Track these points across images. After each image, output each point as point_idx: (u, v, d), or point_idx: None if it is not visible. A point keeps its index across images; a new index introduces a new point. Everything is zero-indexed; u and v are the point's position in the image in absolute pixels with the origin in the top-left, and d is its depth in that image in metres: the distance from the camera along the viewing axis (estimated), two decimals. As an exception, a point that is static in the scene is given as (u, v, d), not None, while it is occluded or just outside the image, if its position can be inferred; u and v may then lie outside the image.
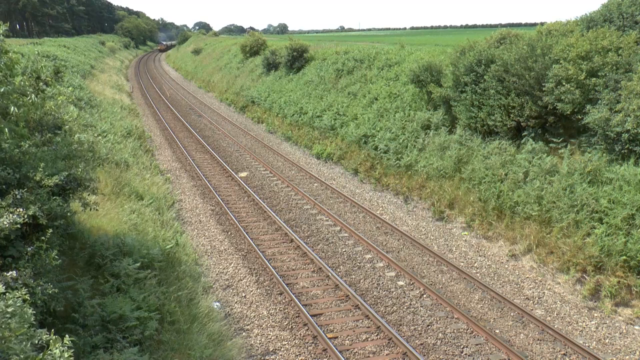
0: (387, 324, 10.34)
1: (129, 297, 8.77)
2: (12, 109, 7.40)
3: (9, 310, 4.45)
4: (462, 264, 13.39)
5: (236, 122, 34.34)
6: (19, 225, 6.22)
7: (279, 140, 28.58)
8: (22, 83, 7.90)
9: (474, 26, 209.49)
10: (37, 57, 9.50)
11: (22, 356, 4.06)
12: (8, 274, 5.63)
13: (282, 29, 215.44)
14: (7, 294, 4.71)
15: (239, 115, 37.30)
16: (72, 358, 4.43)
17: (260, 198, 18.31)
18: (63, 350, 4.34)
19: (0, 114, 7.56)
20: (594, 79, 12.93)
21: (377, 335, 10.13)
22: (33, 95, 7.94)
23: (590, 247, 11.35)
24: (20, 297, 4.79)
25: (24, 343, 4.26)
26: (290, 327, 10.51)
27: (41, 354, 4.34)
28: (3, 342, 4.12)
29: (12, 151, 7.46)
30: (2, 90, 7.35)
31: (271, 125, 30.71)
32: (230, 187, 20.04)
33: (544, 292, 11.87)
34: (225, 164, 22.99)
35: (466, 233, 15.03)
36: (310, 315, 10.65)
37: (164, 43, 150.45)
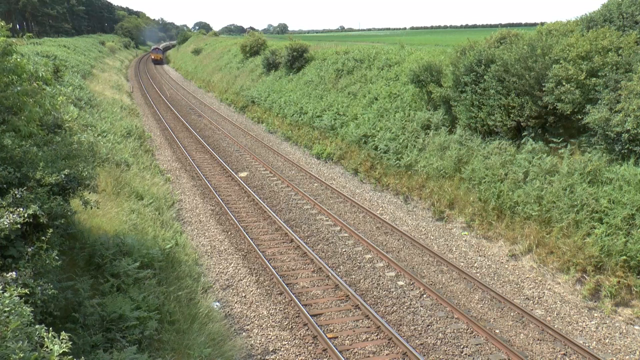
0: (387, 324, 10.34)
1: (128, 296, 8.77)
2: (28, 108, 7.50)
3: (6, 310, 4.43)
4: (462, 264, 13.39)
5: (236, 122, 34.33)
6: (19, 225, 6.21)
7: (279, 140, 28.58)
8: (32, 83, 7.97)
9: (474, 26, 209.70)
10: (32, 56, 9.62)
11: (20, 355, 4.05)
12: (8, 275, 5.62)
13: (282, 29, 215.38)
14: (4, 292, 4.70)
15: (239, 115, 37.30)
16: (69, 350, 4.40)
17: (260, 198, 18.31)
18: (61, 345, 4.32)
19: (14, 112, 7.63)
20: (594, 79, 12.93)
21: (377, 335, 10.12)
22: (45, 96, 8.04)
23: (590, 247, 11.35)
24: (17, 294, 4.77)
25: (22, 342, 4.24)
26: (290, 327, 10.51)
27: (39, 351, 4.33)
28: (0, 340, 4.11)
29: (14, 150, 7.48)
30: (17, 89, 7.42)
31: (271, 125, 30.71)
32: (230, 187, 20.03)
33: (544, 292, 11.87)
34: (225, 164, 22.98)
35: (466, 233, 15.03)
36: (310, 315, 10.65)
37: (160, 47, 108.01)
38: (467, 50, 17.62)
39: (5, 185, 7.03)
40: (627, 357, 9.59)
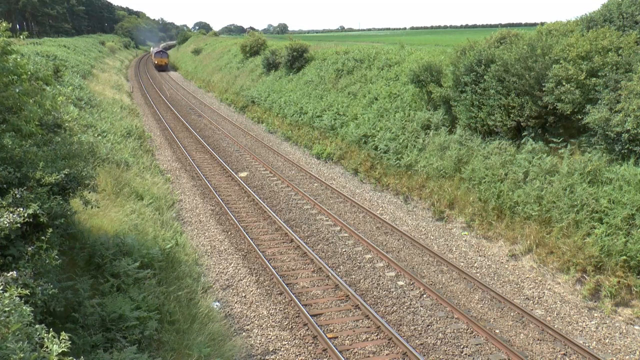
0: (387, 324, 10.34)
1: (128, 296, 8.77)
2: (29, 107, 7.52)
3: (7, 310, 4.43)
4: (462, 264, 13.39)
5: (236, 122, 34.33)
6: (19, 225, 6.21)
7: (279, 140, 28.58)
8: (33, 83, 7.99)
9: (474, 26, 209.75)
10: (32, 56, 9.66)
11: (20, 355, 4.05)
12: (8, 274, 5.62)
13: (282, 29, 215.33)
14: (4, 292, 4.70)
15: (239, 115, 37.30)
16: (69, 351, 4.40)
17: (260, 198, 18.31)
18: (60, 345, 4.32)
19: (14, 112, 7.64)
20: (594, 79, 12.93)
21: (377, 335, 10.12)
22: (45, 96, 8.07)
23: (590, 247, 11.35)
24: (17, 295, 4.77)
25: (22, 343, 4.24)
26: (290, 327, 10.51)
27: (39, 351, 4.32)
28: (1, 340, 4.11)
29: (14, 150, 7.48)
30: (18, 90, 7.43)
31: (271, 125, 30.71)
32: (230, 187, 20.03)
33: (544, 292, 11.87)
34: (225, 164, 22.98)
35: (466, 233, 15.03)
36: (310, 315, 10.65)
37: (163, 49, 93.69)
38: (467, 50, 17.62)
39: (5, 185, 7.03)
40: (627, 357, 9.59)
